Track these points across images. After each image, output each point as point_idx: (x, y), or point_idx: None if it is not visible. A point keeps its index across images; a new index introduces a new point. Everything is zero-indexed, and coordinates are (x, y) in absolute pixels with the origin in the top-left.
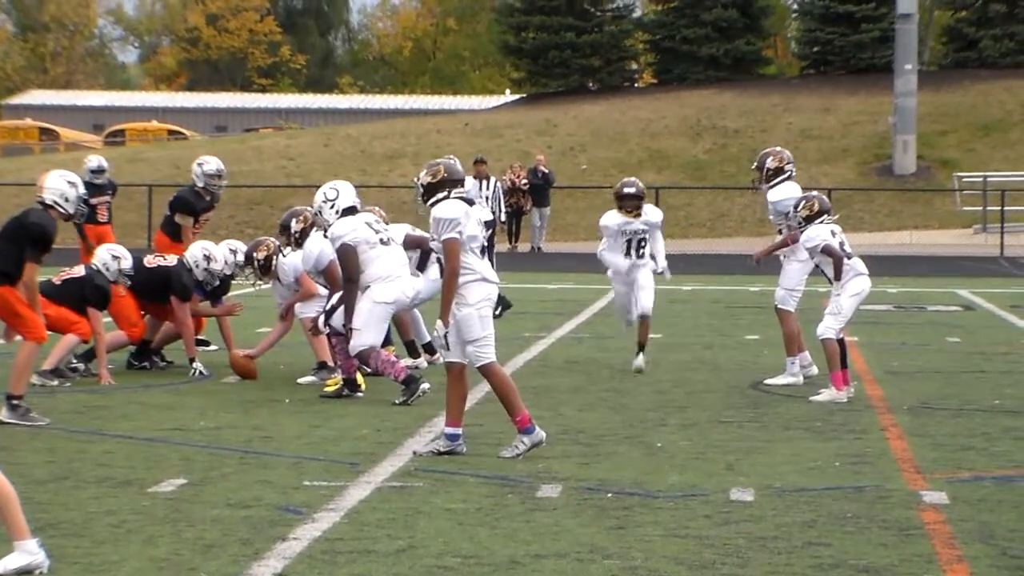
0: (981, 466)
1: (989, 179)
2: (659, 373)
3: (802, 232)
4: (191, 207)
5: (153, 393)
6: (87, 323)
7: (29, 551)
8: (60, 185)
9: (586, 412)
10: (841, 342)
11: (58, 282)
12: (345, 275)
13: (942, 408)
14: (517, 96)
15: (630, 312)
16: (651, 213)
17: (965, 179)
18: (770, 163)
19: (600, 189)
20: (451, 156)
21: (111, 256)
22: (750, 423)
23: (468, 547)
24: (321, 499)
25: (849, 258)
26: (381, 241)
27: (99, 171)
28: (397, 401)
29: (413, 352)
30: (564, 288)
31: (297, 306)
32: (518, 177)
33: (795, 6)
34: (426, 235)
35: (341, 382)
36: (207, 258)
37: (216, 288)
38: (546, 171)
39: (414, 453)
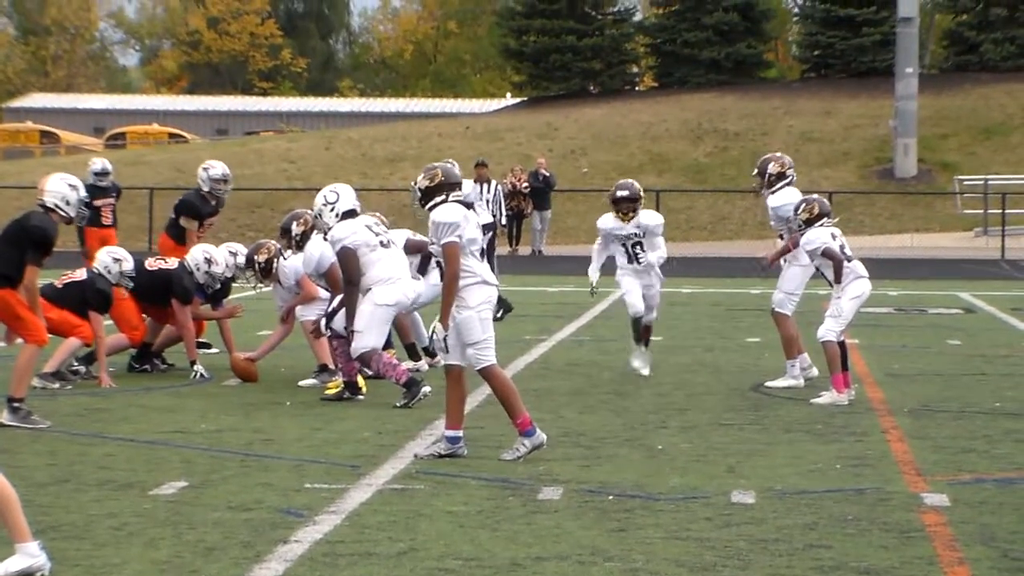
0: (982, 468)
1: (990, 182)
2: (660, 376)
3: (802, 235)
4: (196, 211)
5: (154, 396)
6: (89, 326)
7: (30, 553)
8: (61, 188)
9: (587, 415)
10: (842, 344)
11: (59, 285)
12: (346, 278)
13: (943, 410)
14: (518, 99)
15: (637, 305)
16: (646, 217)
17: (966, 182)
18: (772, 168)
19: (601, 192)
20: (450, 160)
21: (112, 259)
22: (751, 425)
23: (469, 549)
24: (322, 502)
25: (849, 261)
26: (381, 244)
27: (103, 173)
28: (398, 404)
29: (413, 355)
30: (565, 291)
31: (298, 309)
32: (519, 180)
33: (796, 10)
34: (427, 239)
35: (342, 385)
36: (208, 261)
37: (217, 291)
38: (547, 174)
39: (415, 456)
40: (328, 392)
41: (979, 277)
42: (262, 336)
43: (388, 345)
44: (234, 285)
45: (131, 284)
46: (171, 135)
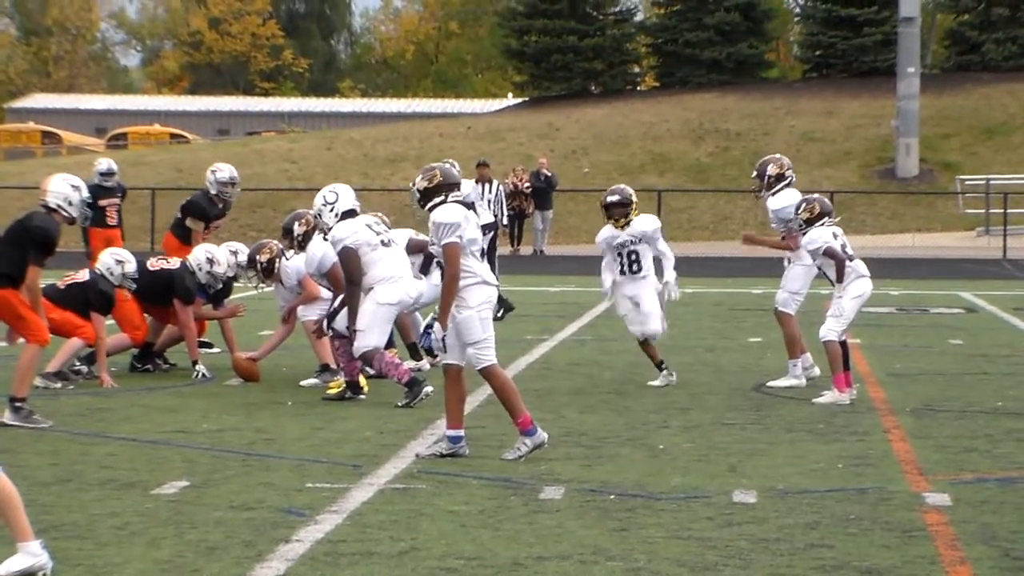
0: (984, 468)
1: (991, 182)
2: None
3: (804, 235)
4: (203, 213)
5: (156, 396)
6: (91, 327)
7: (32, 553)
8: (63, 189)
9: (588, 414)
10: (843, 344)
11: (62, 286)
12: (347, 278)
13: (945, 410)
14: (519, 100)
15: (635, 326)
16: (640, 223)
17: (968, 182)
18: (771, 170)
19: (602, 192)
20: (450, 160)
21: (115, 261)
22: (753, 425)
23: (471, 549)
24: (324, 501)
25: (851, 260)
26: (382, 243)
27: (109, 174)
28: (400, 404)
29: (415, 355)
30: (566, 291)
31: (300, 309)
32: (520, 180)
33: (797, 10)
34: (429, 239)
35: (344, 385)
36: (210, 261)
37: (218, 291)
38: (548, 174)
39: (416, 455)
40: (330, 392)
41: (981, 277)
42: (264, 336)
43: (390, 344)
44: (236, 285)
45: (133, 286)
46: (172, 135)
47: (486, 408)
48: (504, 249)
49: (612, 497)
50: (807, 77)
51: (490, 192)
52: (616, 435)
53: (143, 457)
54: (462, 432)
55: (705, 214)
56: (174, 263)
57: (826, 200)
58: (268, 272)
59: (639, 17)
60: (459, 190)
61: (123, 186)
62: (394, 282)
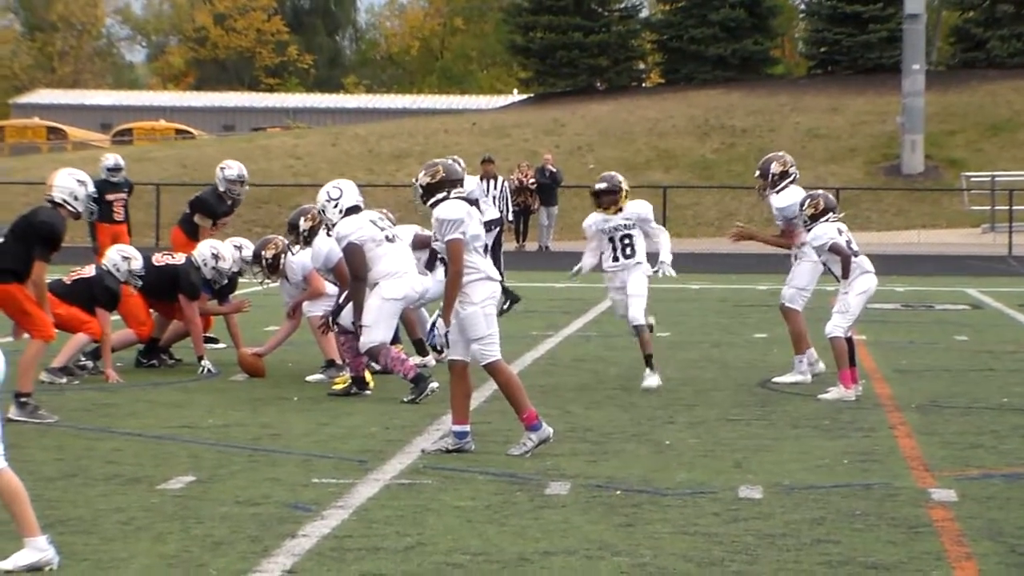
0: (990, 464)
1: (997, 179)
2: (667, 371)
3: (808, 231)
4: (211, 210)
5: (162, 391)
6: (97, 322)
7: (39, 548)
8: (69, 184)
9: (594, 410)
10: (849, 340)
11: (68, 281)
12: (352, 274)
13: (950, 406)
14: (525, 96)
15: (622, 310)
16: (634, 206)
17: (973, 179)
18: (774, 168)
19: None
20: (454, 156)
21: (121, 257)
22: (758, 421)
23: (477, 544)
24: (330, 496)
25: (856, 256)
26: (387, 238)
27: (116, 169)
28: (406, 399)
29: (421, 351)
30: (571, 287)
31: (305, 304)
32: (526, 176)
33: (803, 6)
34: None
35: (349, 380)
36: (215, 256)
37: (223, 286)
38: (553, 170)
39: (423, 451)
40: (335, 387)
41: (986, 273)
42: (269, 332)
43: (396, 340)
44: (240, 280)
45: (139, 283)
46: (178, 131)
47: (492, 404)
48: (509, 245)
49: (618, 492)
50: (812, 74)
51: (495, 188)
52: (622, 431)
53: (149, 452)
54: (468, 428)
55: (710, 210)
56: (179, 259)
57: (830, 196)
58: (273, 268)
59: (644, 13)
60: (462, 186)
61: (130, 182)
62: (399, 277)
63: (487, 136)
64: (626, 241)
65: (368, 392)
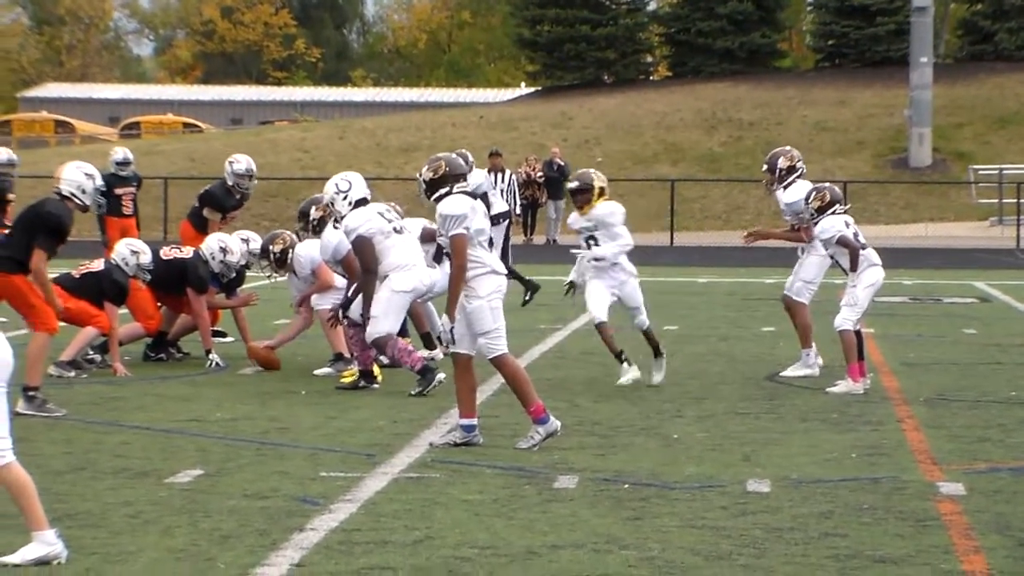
0: (997, 457)
1: (1005, 172)
2: (675, 365)
3: (815, 224)
4: (220, 204)
5: (170, 384)
6: (106, 316)
7: (47, 541)
8: (77, 177)
9: (602, 403)
10: (858, 334)
11: (77, 275)
12: (363, 267)
13: (958, 400)
14: (532, 89)
15: (596, 313)
16: (600, 208)
17: (981, 171)
18: (781, 163)
19: (615, 182)
20: (462, 150)
21: (130, 251)
22: (766, 414)
23: (485, 538)
24: (338, 490)
25: (863, 249)
26: (395, 230)
27: (125, 163)
28: (413, 392)
29: (429, 344)
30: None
31: (314, 297)
32: (533, 170)
33: None
34: None
35: (357, 373)
36: (223, 250)
37: (231, 280)
38: (561, 164)
39: (430, 444)
40: (343, 381)
41: (994, 266)
42: (278, 325)
43: (403, 333)
44: (248, 274)
45: (148, 277)
46: (185, 125)
47: (499, 397)
48: (517, 238)
49: (626, 486)
50: (820, 66)
51: (503, 181)
52: (630, 424)
53: (157, 446)
54: (475, 421)
55: (718, 203)
56: (187, 252)
57: (836, 188)
58: (281, 262)
59: (652, 6)
60: (465, 181)
61: (139, 175)
62: (408, 270)
63: (495, 129)
64: (591, 243)
65: (376, 386)
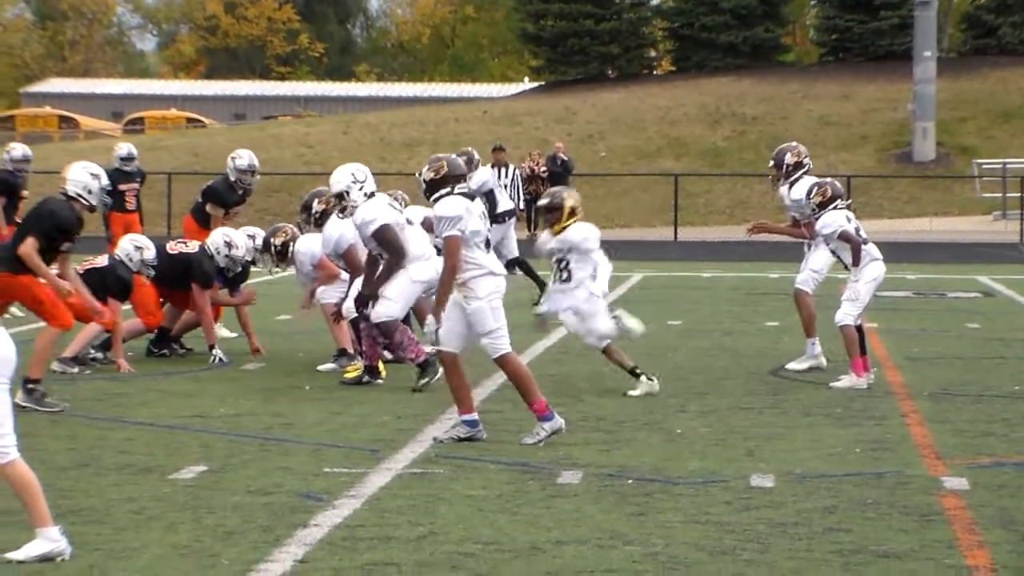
0: (1001, 452)
1: (1008, 166)
2: (679, 360)
3: (817, 219)
4: (223, 199)
5: (173, 380)
6: (109, 313)
7: (51, 538)
8: (83, 177)
9: (606, 399)
10: (859, 328)
11: (81, 271)
12: (393, 252)
13: (962, 394)
14: (536, 84)
15: (588, 337)
16: (572, 232)
17: (984, 166)
18: (788, 159)
19: (619, 176)
20: (468, 149)
21: (134, 247)
22: (770, 409)
23: (489, 533)
24: (341, 486)
25: (864, 243)
26: (408, 221)
27: (129, 159)
28: (419, 385)
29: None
30: None
31: (319, 291)
32: (537, 165)
33: None
34: None
35: (361, 369)
36: (228, 244)
37: (236, 275)
38: (565, 158)
39: (434, 440)
40: (347, 376)
41: (998, 261)
42: (280, 321)
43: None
44: (253, 269)
45: (152, 272)
46: (189, 120)
47: (503, 393)
48: (521, 233)
49: (630, 481)
50: (823, 61)
51: (506, 176)
52: (633, 419)
53: (160, 442)
54: (476, 416)
55: (721, 198)
56: (193, 247)
57: (837, 183)
58: (282, 255)
59: (655, 1)
60: (465, 181)
61: (142, 171)
62: (426, 260)
63: (498, 124)
64: (562, 264)
65: (380, 381)
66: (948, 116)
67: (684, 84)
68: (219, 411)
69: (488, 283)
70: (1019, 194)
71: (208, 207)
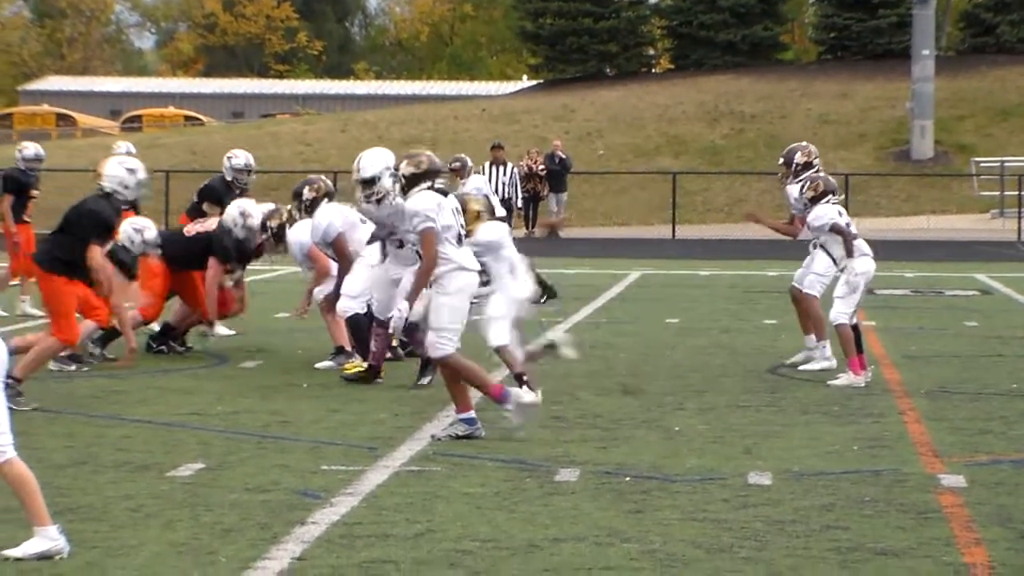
0: (999, 450)
1: (1006, 164)
2: (677, 358)
3: (809, 212)
4: (219, 198)
5: (171, 378)
6: (105, 309)
7: (49, 537)
8: (119, 172)
9: (604, 396)
10: (855, 327)
11: None
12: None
13: (960, 392)
14: (534, 82)
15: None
16: (481, 232)
17: (983, 164)
18: (799, 158)
19: (617, 175)
20: (463, 155)
21: (133, 230)
22: (768, 407)
23: (486, 531)
24: (339, 483)
25: (855, 239)
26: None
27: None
28: (423, 382)
29: None
30: (581, 273)
31: (316, 288)
32: (535, 163)
33: None
34: None
35: (364, 366)
36: (243, 215)
37: (246, 254)
38: (563, 156)
39: (432, 437)
40: (348, 371)
41: (996, 259)
42: (278, 319)
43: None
44: (249, 267)
45: (158, 251)
46: (187, 118)
47: None
48: (519, 232)
49: (627, 479)
50: (822, 59)
51: (504, 174)
52: (631, 417)
53: (158, 439)
54: (473, 414)
55: (720, 196)
56: (211, 224)
57: (830, 178)
58: (278, 237)
59: None
60: (441, 178)
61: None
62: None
63: (496, 122)
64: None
65: (379, 380)
66: (946, 114)
67: (682, 82)
68: (217, 409)
69: (458, 278)
70: (1017, 192)
71: (204, 206)
